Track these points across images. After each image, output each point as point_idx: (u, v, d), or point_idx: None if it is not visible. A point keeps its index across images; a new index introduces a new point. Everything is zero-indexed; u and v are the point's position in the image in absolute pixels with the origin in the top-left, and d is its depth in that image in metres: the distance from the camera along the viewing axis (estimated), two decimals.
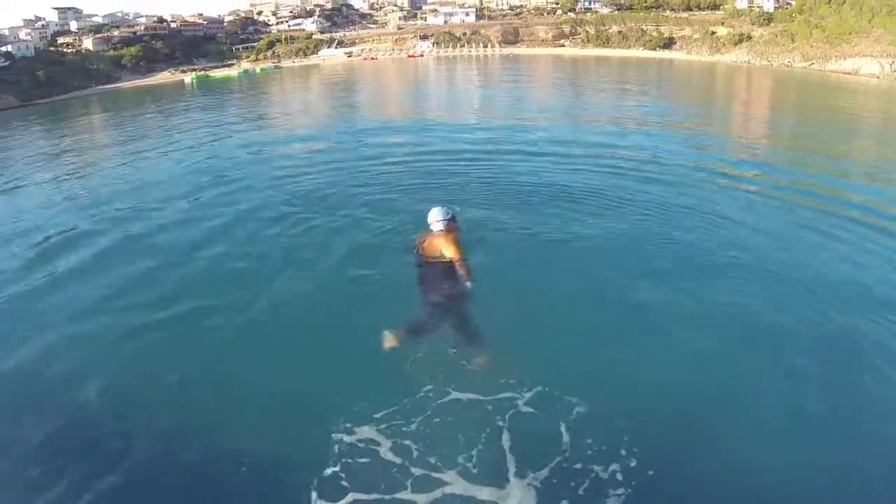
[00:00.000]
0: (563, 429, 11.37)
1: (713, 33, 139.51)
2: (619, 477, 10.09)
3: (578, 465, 10.47)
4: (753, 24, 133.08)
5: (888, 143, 40.86)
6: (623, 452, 10.60)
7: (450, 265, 12.63)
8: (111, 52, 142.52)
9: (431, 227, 13.47)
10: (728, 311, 15.33)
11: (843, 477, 10.18)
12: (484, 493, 9.78)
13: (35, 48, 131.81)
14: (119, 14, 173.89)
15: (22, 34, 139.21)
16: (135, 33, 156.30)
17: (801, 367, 13.39)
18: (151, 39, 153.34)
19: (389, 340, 13.08)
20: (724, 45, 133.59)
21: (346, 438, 11.22)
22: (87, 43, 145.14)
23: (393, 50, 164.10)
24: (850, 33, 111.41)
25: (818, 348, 13.68)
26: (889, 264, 17.81)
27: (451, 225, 13.31)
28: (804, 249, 19.95)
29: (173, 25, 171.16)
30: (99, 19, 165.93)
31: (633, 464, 10.35)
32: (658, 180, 27.92)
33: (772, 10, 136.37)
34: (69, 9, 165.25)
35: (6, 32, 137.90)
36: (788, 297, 16.13)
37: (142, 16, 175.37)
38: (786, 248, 19.98)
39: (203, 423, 12.32)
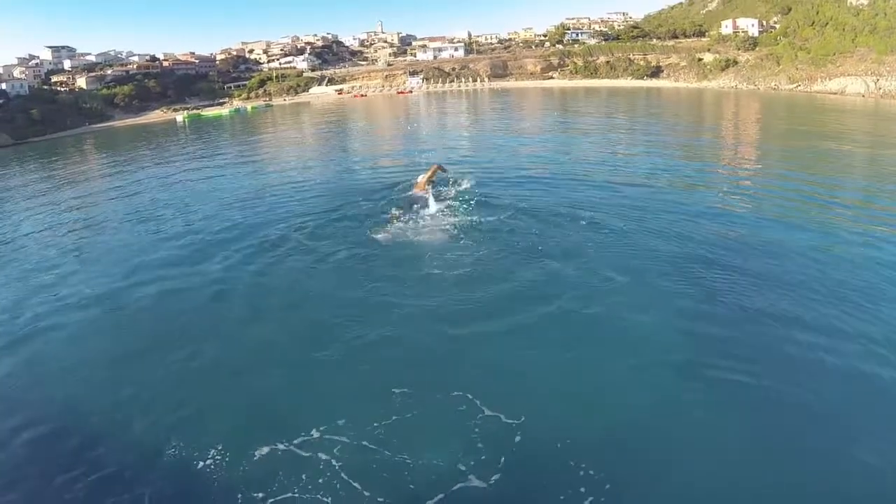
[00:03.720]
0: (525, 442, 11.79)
1: (700, 60, 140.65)
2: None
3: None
4: (739, 49, 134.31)
5: (878, 160, 40.91)
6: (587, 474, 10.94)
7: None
8: (104, 91, 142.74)
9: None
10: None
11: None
12: None
13: (29, 87, 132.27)
14: (112, 53, 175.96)
15: (16, 72, 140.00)
16: (127, 72, 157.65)
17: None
18: (144, 78, 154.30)
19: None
20: (710, 70, 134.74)
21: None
22: (81, 81, 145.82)
23: (383, 86, 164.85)
24: (834, 54, 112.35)
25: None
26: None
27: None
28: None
29: (165, 64, 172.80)
30: (92, 58, 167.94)
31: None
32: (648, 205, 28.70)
33: (756, 34, 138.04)
34: (63, 47, 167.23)
35: (0, 71, 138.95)
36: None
37: (134, 54, 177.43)
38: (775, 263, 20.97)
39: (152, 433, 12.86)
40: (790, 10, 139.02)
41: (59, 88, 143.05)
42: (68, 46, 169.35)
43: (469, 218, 25.78)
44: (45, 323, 18.72)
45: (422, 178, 30.85)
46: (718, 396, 13.15)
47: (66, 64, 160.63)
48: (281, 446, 11.90)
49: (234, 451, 11.91)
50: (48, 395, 14.75)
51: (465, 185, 29.00)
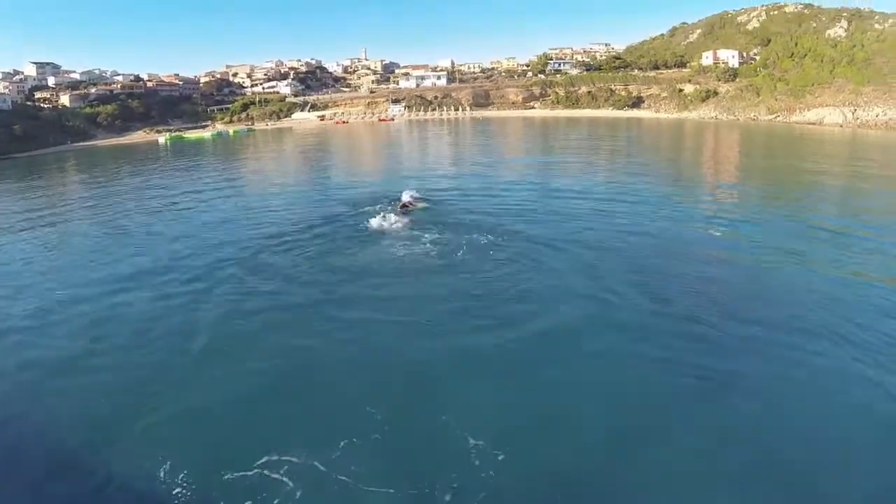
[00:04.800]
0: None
1: (680, 91, 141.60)
2: None
3: None
4: (719, 80, 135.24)
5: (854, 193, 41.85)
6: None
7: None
8: (87, 109, 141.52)
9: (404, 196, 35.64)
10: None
11: None
12: None
13: (12, 102, 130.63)
14: (96, 71, 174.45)
15: None
16: (111, 91, 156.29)
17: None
18: (128, 98, 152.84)
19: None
20: (691, 101, 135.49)
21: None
22: (64, 99, 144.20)
23: (365, 113, 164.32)
24: (812, 85, 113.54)
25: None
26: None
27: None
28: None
29: (150, 84, 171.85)
30: (76, 76, 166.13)
31: None
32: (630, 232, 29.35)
33: (737, 65, 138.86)
34: (47, 64, 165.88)
35: None
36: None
37: (119, 74, 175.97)
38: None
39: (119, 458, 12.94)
40: (769, 41, 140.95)
41: (42, 105, 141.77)
42: (53, 63, 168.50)
43: (444, 239, 26.92)
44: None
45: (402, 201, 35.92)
46: (698, 421, 13.20)
47: (51, 80, 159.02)
48: (247, 472, 11.99)
49: (200, 474, 12.11)
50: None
51: (441, 207, 30.68)
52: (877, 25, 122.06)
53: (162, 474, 11.97)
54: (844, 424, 12.92)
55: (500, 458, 11.94)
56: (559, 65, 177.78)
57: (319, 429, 13.22)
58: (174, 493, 11.46)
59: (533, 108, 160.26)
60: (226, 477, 11.84)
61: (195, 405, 14.62)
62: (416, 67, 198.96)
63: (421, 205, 35.28)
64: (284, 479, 11.60)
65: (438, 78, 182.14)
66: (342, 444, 12.44)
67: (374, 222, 31.08)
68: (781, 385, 14.41)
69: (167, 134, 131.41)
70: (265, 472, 11.85)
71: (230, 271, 24.86)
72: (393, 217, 31.49)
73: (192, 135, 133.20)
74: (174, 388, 15.52)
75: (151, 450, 12.85)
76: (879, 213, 32.85)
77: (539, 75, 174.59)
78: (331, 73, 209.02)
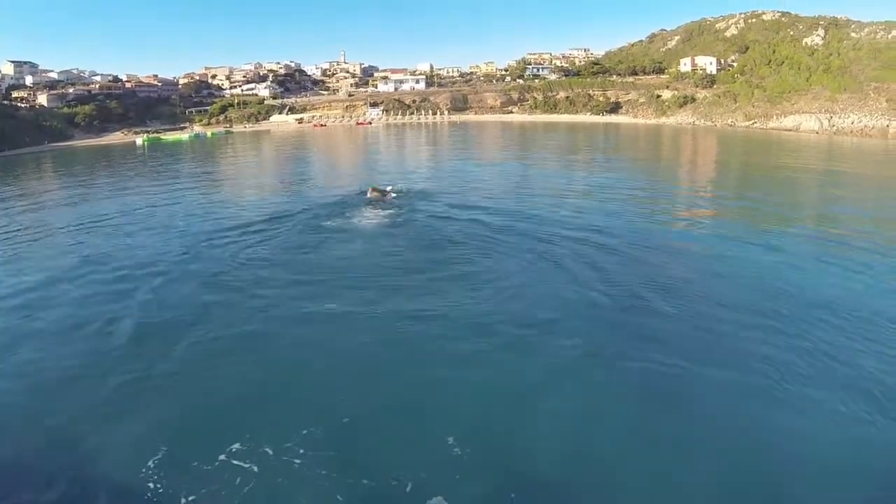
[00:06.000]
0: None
1: (658, 96, 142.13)
2: None
3: None
4: (697, 87, 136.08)
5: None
6: None
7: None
8: (65, 110, 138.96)
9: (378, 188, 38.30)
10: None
11: None
12: None
13: None
14: (74, 71, 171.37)
15: None
16: (90, 91, 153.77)
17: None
18: (106, 98, 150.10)
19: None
20: (669, 107, 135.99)
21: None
22: (42, 98, 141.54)
23: (343, 117, 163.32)
24: (789, 92, 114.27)
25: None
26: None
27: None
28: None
29: (128, 85, 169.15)
30: (54, 75, 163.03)
31: None
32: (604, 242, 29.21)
33: (714, 72, 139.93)
34: (25, 63, 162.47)
35: None
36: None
37: (97, 74, 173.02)
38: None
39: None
40: (747, 48, 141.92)
41: (19, 104, 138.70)
42: (31, 62, 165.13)
43: (416, 233, 27.88)
44: None
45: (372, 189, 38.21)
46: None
47: (28, 80, 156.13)
48: (212, 461, 11.84)
49: (172, 462, 11.87)
50: None
51: (413, 202, 32.07)
52: (853, 34, 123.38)
53: (125, 462, 11.89)
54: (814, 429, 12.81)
55: (466, 449, 11.75)
56: (538, 70, 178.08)
57: (284, 418, 13.09)
58: (141, 480, 11.36)
59: (511, 112, 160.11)
60: (193, 464, 11.74)
61: (158, 392, 14.57)
62: (394, 71, 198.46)
63: (394, 191, 38.06)
64: (249, 465, 11.59)
65: (417, 82, 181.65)
66: (304, 432, 12.46)
67: (345, 216, 31.69)
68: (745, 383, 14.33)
69: (145, 135, 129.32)
70: (230, 460, 11.79)
71: (191, 263, 24.74)
72: (365, 212, 32.33)
73: (169, 136, 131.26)
74: (131, 374, 15.35)
75: (114, 437, 12.82)
76: (853, 207, 34.62)
77: (518, 80, 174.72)
78: (310, 75, 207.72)
